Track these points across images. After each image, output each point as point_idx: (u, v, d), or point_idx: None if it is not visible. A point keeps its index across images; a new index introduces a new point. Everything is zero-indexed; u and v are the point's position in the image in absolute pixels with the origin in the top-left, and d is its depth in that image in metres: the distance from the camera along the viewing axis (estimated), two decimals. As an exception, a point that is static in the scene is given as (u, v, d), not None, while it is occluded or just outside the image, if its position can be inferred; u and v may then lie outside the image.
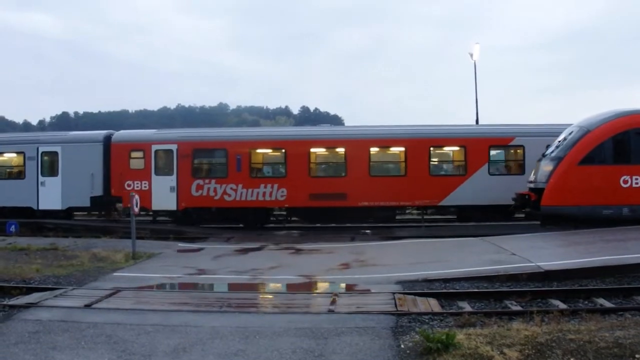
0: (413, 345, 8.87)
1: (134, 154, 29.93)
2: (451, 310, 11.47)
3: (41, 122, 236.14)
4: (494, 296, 12.81)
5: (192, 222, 29.37)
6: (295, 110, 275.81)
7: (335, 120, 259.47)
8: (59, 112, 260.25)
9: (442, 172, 29.88)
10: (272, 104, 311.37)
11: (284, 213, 30.92)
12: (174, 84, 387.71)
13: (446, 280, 14.35)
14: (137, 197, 19.96)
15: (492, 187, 28.01)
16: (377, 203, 28.42)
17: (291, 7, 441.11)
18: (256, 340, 9.29)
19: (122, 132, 31.95)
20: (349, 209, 28.67)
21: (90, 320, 10.59)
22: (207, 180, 29.19)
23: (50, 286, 14.29)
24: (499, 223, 27.43)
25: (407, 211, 31.86)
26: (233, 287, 14.76)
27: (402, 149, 29.01)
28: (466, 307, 11.81)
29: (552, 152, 23.77)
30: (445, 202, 28.67)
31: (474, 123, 39.36)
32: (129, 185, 29.31)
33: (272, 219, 31.14)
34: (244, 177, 28.91)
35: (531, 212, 24.45)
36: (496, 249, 18.48)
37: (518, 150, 28.94)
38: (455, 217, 30.32)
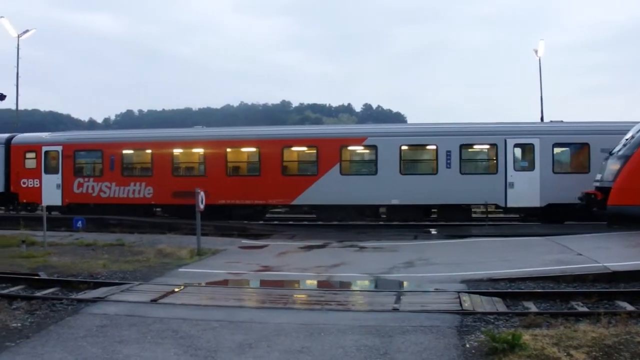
0: (478, 345, 8.79)
1: (28, 155, 33.43)
2: (516, 310, 11.27)
3: (106, 120, 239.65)
4: (559, 297, 12.53)
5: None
6: (358, 107, 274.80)
7: (398, 118, 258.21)
8: (124, 110, 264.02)
9: (295, 172, 30.82)
10: (335, 102, 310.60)
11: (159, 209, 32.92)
12: (237, 83, 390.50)
13: (511, 280, 14.15)
14: (202, 194, 20.20)
15: (345, 186, 29.03)
16: (235, 201, 30.28)
17: (352, 5, 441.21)
18: (321, 337, 9.30)
19: (21, 135, 35.58)
20: (209, 207, 28.16)
21: (157, 315, 10.75)
22: (86, 179, 32.37)
23: (116, 281, 14.51)
24: (563, 223, 27.19)
25: (271, 210, 33.47)
26: (297, 284, 14.81)
27: (256, 149, 30.88)
28: (532, 307, 11.61)
29: (619, 150, 23.24)
30: (297, 201, 30.06)
31: (539, 121, 39.00)
32: (24, 183, 33.13)
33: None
34: (116, 176, 31.70)
35: (597, 212, 23.98)
36: (561, 248, 18.20)
37: (370, 150, 29.79)
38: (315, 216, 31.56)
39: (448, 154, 28.52)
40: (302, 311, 11.14)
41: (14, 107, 48.42)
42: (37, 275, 15.48)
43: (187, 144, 32.03)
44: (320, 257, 18.69)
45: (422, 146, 29.89)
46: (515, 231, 24.63)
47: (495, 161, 28.61)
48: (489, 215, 29.25)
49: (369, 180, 29.10)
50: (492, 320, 10.32)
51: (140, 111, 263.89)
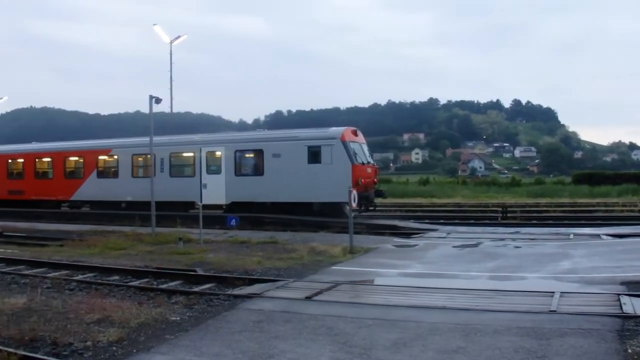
0: (642, 350, 8.30)
1: None
2: (682, 314, 10.62)
3: (256, 121, 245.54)
4: None
5: None
6: (507, 103, 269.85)
7: (548, 114, 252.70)
8: (273, 111, 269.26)
9: (71, 176, 38.84)
10: (483, 98, 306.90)
11: None
12: (384, 81, 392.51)
13: (675, 282, 13.38)
14: (354, 192, 20.18)
15: (100, 187, 36.75)
16: (40, 197, 39.28)
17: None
18: (476, 337, 9.06)
19: None
20: (27, 201, 39.36)
21: (311, 312, 10.81)
22: None
23: (271, 278, 14.76)
24: None
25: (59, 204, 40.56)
26: (450, 282, 14.46)
27: (50, 159, 39.93)
28: (698, 310, 10.92)
29: None
30: (74, 197, 38.27)
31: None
32: None
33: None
34: None
35: None
36: None
37: (115, 159, 37.06)
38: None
39: (162, 160, 34.22)
40: (456, 311, 10.87)
41: (168, 111, 50.27)
42: (194, 271, 15.95)
43: (15, 155, 41.95)
44: (473, 256, 18.33)
45: (145, 155, 34.30)
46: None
47: (194, 166, 33.79)
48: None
49: (114, 182, 36.42)
50: (656, 325, 9.72)
51: (289, 111, 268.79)
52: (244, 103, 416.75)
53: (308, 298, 12.08)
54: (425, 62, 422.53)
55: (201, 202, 30.34)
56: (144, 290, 13.90)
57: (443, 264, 16.92)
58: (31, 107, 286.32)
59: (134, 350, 8.93)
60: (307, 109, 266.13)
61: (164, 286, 14.44)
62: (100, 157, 37.77)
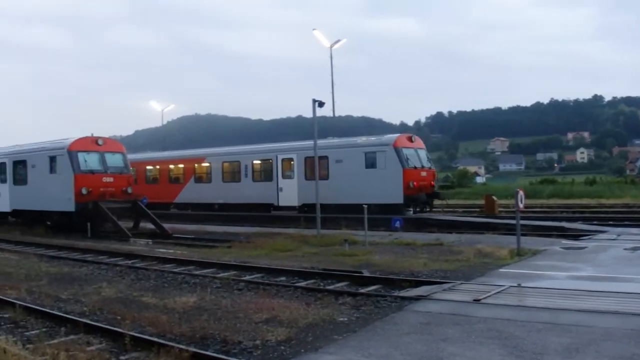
0: None
1: None
2: None
3: (417, 123, 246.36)
4: None
5: None
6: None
7: None
8: (434, 113, 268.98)
9: (174, 182, 44.69)
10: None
11: None
12: (545, 79, 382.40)
13: None
14: (521, 193, 19.83)
15: (197, 190, 42.42)
16: (150, 200, 37.59)
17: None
18: (652, 345, 8.70)
19: None
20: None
21: (480, 315, 10.72)
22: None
23: (437, 280, 14.67)
24: None
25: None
26: (622, 285, 13.90)
27: (158, 167, 46.02)
28: None
29: None
30: (176, 200, 44.20)
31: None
32: None
33: None
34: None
35: None
36: None
37: (208, 166, 42.63)
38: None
39: (246, 167, 39.61)
40: (631, 316, 10.47)
41: (329, 115, 51.19)
42: (360, 272, 16.14)
43: (148, 163, 47.26)
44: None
45: (234, 162, 40.90)
46: None
47: (271, 172, 38.32)
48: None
49: (208, 186, 41.94)
50: None
51: (449, 112, 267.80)
52: (404, 105, 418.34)
53: (476, 301, 11.96)
54: (588, 58, 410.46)
55: (278, 203, 37.57)
56: (311, 291, 14.20)
57: (615, 267, 16.26)
58: (196, 114, 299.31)
59: (302, 350, 9.17)
60: (468, 109, 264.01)
61: (330, 287, 14.66)
62: (197, 165, 43.42)
